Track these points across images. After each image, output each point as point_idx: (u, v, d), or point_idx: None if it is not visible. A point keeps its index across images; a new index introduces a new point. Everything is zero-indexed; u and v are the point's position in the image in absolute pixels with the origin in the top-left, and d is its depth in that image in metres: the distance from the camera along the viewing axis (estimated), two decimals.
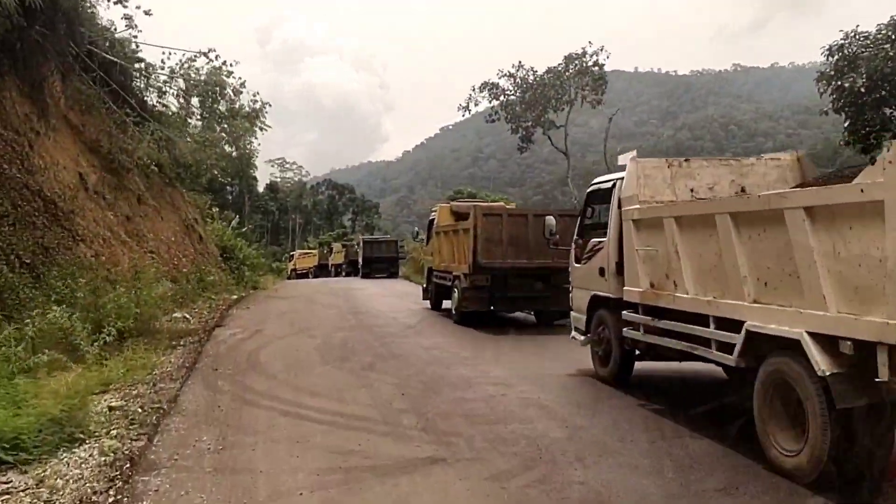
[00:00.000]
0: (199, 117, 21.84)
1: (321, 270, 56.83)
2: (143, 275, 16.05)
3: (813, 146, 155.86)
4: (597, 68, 50.81)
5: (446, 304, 17.80)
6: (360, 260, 42.92)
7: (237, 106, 22.24)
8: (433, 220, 19.31)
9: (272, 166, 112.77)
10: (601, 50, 51.05)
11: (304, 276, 56.52)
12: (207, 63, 21.57)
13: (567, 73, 51.20)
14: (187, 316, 13.89)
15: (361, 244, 43.73)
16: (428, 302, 19.54)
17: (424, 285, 20.17)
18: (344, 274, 50.75)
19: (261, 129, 22.44)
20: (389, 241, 44.69)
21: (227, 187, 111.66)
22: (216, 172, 23.89)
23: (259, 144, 23.22)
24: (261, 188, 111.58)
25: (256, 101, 22.24)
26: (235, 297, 21.11)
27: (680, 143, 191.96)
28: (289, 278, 55.51)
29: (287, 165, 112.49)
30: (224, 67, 21.63)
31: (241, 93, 22.10)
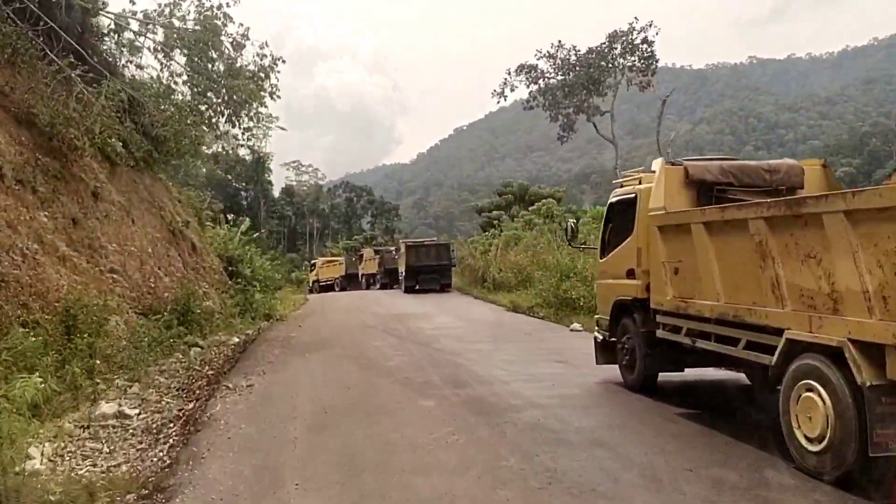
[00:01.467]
0: (185, 79, 15.22)
1: (349, 281, 46.91)
2: (89, 308, 9.59)
3: (839, 136, 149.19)
4: (646, 45, 44.06)
5: (660, 377, 9.15)
6: (403, 270, 34.22)
7: (238, 65, 15.64)
8: (628, 200, 9.39)
9: (287, 169, 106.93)
10: (650, 26, 44.36)
11: (328, 287, 47.77)
12: (197, 5, 15.08)
13: (612, 53, 44.50)
14: (127, 412, 7.12)
15: (404, 250, 34.76)
16: (604, 364, 10.18)
17: (601, 336, 10.19)
18: (378, 286, 41.51)
19: (271, 94, 15.74)
20: (440, 246, 34.61)
21: (242, 192, 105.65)
22: (204, 149, 17.01)
23: (267, 111, 16.24)
24: (276, 192, 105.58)
25: (265, 55, 15.54)
26: (237, 339, 13.96)
27: (699, 138, 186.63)
28: (311, 291, 47.95)
29: (303, 168, 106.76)
30: (220, 11, 15.12)
31: (244, 46, 15.54)
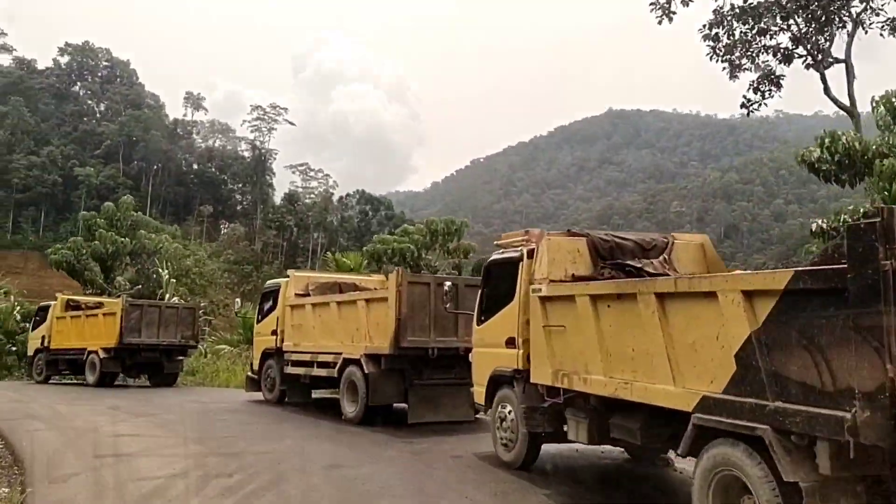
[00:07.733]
0: None
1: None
2: None
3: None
4: None
5: None
6: None
7: None
8: None
9: (293, 173, 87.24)
10: None
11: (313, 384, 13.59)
12: None
13: None
14: None
15: None
16: None
17: None
18: None
19: None
20: None
21: (237, 195, 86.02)
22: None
23: None
24: (278, 199, 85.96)
25: None
26: None
27: (727, 186, 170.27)
28: (253, 377, 15.20)
29: (311, 173, 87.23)
30: None
31: None
